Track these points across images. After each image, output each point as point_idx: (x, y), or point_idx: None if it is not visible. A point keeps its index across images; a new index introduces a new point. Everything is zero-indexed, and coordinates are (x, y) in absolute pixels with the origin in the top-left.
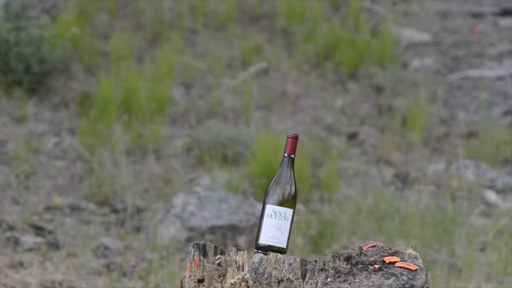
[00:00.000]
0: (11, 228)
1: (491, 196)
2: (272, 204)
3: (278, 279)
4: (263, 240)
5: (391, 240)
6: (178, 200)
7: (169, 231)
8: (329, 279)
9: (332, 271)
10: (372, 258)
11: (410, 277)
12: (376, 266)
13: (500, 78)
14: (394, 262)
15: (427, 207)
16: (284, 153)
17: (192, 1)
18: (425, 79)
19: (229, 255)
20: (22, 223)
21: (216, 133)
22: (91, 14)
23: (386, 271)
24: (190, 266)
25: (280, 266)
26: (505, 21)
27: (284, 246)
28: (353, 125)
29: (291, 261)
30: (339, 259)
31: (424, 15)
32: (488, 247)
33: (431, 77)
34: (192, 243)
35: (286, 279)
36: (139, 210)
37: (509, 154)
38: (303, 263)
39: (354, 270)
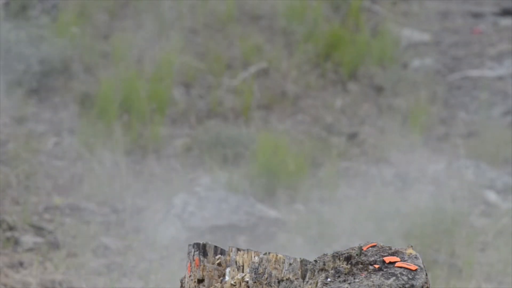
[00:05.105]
0: (11, 228)
1: (491, 196)
2: None
3: (278, 279)
4: None
5: (391, 240)
6: (178, 200)
7: (169, 231)
8: (329, 279)
9: (332, 271)
10: (372, 258)
11: (410, 277)
12: (376, 266)
13: (500, 78)
14: (394, 262)
15: (427, 207)
16: None
17: (192, 1)
18: (425, 79)
19: (229, 255)
20: (22, 223)
21: (216, 133)
22: (91, 14)
23: (386, 271)
24: (190, 266)
25: (280, 266)
26: (505, 21)
27: None
28: (353, 125)
29: (291, 261)
30: (339, 259)
31: (424, 15)
32: (488, 247)
33: (431, 77)
34: (192, 243)
35: (286, 279)
36: (139, 210)
37: (509, 154)
38: (303, 263)
39: (354, 270)
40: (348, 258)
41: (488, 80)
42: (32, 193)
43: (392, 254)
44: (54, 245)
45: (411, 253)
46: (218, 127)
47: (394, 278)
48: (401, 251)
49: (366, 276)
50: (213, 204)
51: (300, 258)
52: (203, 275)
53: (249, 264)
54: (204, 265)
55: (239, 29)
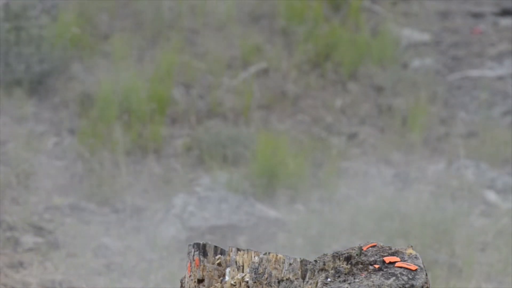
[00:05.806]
0: (11, 228)
1: (491, 196)
2: None
3: (278, 279)
4: None
5: (391, 240)
6: (178, 200)
7: (169, 231)
8: (329, 279)
9: (332, 271)
10: (372, 258)
11: (410, 277)
12: (376, 266)
13: (500, 78)
14: (394, 262)
15: (427, 207)
16: None
17: (192, 1)
18: (425, 79)
19: (229, 255)
20: (22, 223)
21: (216, 133)
22: (91, 14)
23: (386, 271)
24: (190, 266)
25: (280, 266)
26: (505, 21)
27: None
28: (353, 125)
29: (291, 261)
30: (339, 259)
31: (424, 15)
32: (488, 247)
33: (431, 77)
34: (192, 243)
35: (286, 279)
36: (139, 210)
37: (509, 154)
38: (303, 263)
39: (354, 270)
40: (348, 258)
41: (488, 80)
42: (32, 193)
43: (392, 254)
44: (54, 245)
45: (411, 253)
46: (218, 127)
47: (394, 278)
48: (401, 251)
49: (366, 276)
50: (213, 204)
51: (300, 258)
52: (203, 275)
53: (249, 264)
54: (204, 265)
55: (239, 29)
